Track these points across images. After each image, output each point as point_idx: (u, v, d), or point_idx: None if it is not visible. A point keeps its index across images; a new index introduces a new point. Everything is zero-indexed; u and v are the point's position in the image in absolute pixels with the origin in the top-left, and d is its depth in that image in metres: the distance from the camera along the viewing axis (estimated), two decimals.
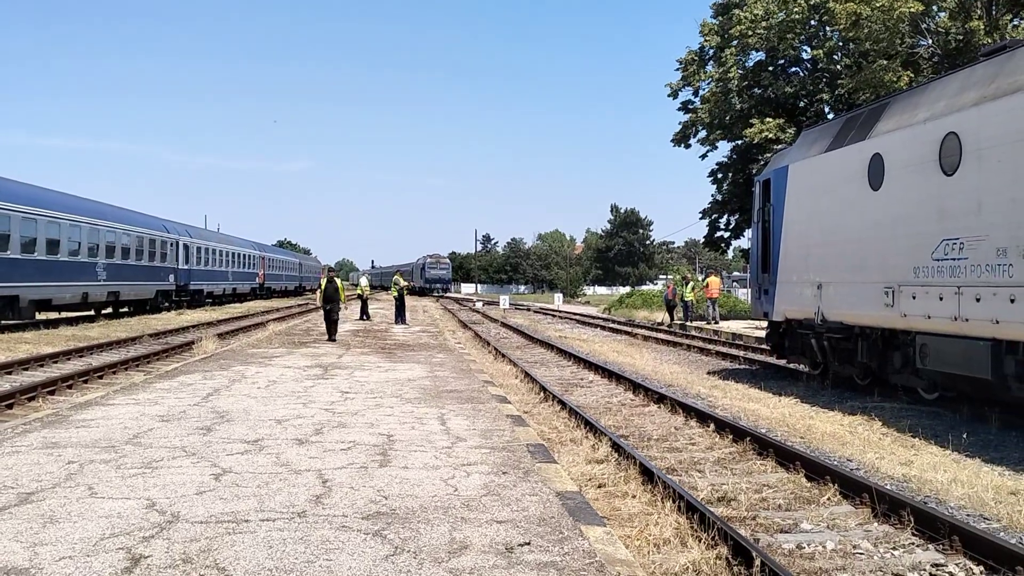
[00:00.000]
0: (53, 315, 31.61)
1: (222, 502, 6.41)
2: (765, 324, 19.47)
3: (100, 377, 16.87)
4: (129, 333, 27.38)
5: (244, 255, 61.74)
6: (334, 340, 22.81)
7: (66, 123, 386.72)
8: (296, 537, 5.58)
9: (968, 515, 7.58)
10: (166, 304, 43.01)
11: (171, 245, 43.41)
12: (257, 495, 6.62)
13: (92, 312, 34.86)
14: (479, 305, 60.25)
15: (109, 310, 36.95)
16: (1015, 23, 29.54)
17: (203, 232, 55.17)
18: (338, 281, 23.61)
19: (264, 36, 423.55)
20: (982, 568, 6.24)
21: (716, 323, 34.87)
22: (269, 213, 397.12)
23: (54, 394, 14.58)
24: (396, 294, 34.26)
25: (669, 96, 43.73)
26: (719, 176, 44.16)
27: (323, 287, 23.52)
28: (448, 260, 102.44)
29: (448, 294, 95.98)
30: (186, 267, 45.63)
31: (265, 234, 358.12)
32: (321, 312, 24.83)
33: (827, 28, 36.43)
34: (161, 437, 8.98)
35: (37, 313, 29.25)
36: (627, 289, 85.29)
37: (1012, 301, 10.52)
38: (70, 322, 31.13)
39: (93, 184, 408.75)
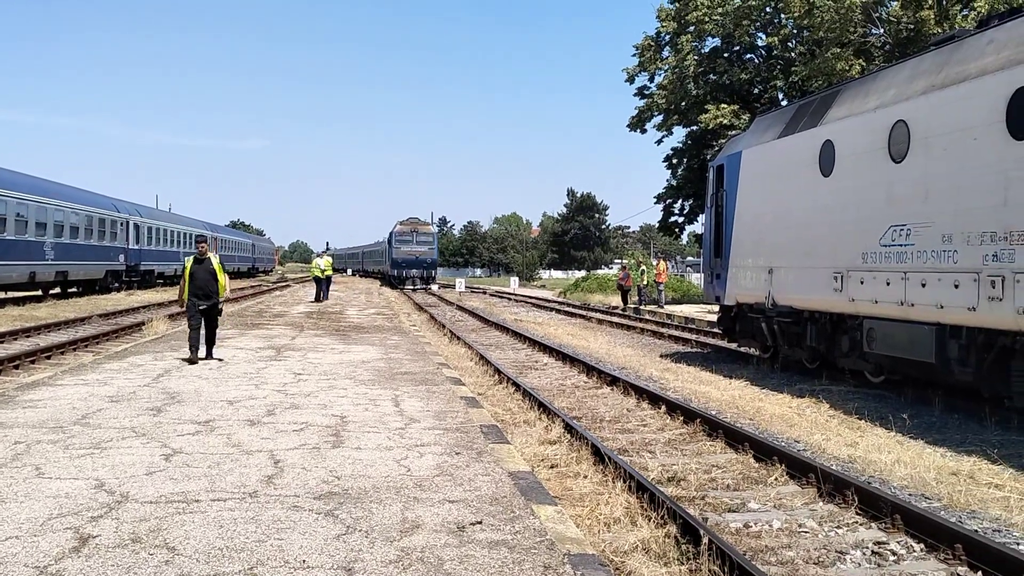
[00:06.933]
0: None
1: (172, 482, 6.36)
2: (717, 308, 19.69)
3: (48, 358, 16.60)
4: (78, 313, 26.91)
5: (195, 236, 60.81)
6: (213, 356, 14.29)
7: (11, 97, 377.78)
8: (247, 517, 5.56)
9: (910, 495, 7.76)
10: (116, 284, 42.24)
11: (121, 225, 42.61)
12: (208, 475, 6.58)
13: (40, 292, 34.18)
14: (434, 288, 60.08)
15: (57, 290, 36.28)
16: (964, 13, 30.03)
17: (154, 212, 54.32)
18: (215, 261, 14.38)
19: (216, 8, 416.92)
20: (923, 546, 6.40)
21: (662, 307, 35.11)
22: (222, 193, 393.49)
23: (0, 374, 14.32)
24: (318, 275, 35.51)
25: (626, 81, 43.95)
26: (674, 162, 44.49)
27: (188, 270, 14.15)
28: (432, 230, 64.39)
29: (433, 284, 61.36)
30: (136, 247, 44.85)
31: (218, 215, 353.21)
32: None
33: (782, 15, 36.80)
34: (111, 418, 8.88)
35: None
36: (583, 273, 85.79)
37: (956, 287, 10.75)
38: (16, 302, 30.50)
39: (41, 161, 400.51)
